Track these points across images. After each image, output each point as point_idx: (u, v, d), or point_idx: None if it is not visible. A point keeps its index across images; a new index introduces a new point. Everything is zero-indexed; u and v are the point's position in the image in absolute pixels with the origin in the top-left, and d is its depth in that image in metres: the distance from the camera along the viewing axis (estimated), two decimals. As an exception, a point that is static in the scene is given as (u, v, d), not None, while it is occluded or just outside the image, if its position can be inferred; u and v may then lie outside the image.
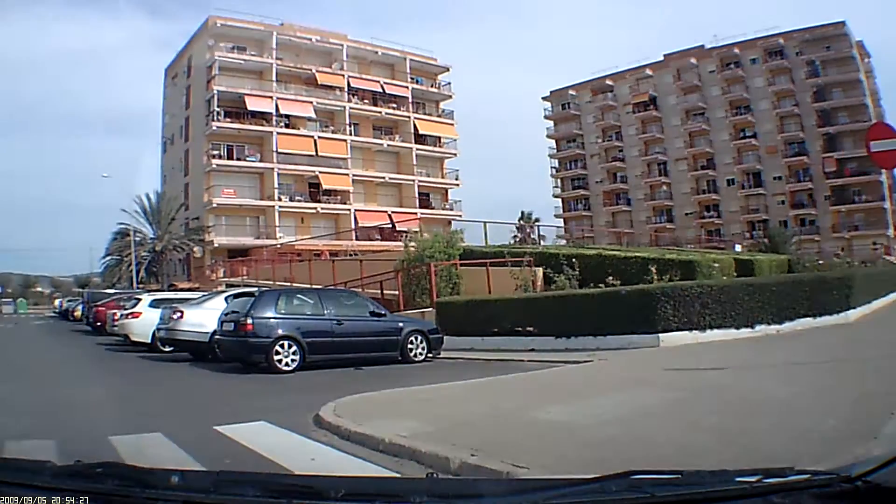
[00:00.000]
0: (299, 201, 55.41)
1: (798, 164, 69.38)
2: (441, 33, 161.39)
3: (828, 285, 15.67)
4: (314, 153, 54.92)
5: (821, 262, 29.23)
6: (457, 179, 61.92)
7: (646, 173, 78.82)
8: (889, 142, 9.90)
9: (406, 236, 28.09)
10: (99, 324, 27.70)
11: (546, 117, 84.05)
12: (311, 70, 56.62)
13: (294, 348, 12.90)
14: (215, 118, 53.05)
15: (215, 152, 53.78)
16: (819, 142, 67.56)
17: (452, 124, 62.25)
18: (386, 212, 56.03)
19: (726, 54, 72.70)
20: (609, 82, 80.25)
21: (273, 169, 54.12)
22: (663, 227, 70.50)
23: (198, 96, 56.34)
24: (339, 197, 56.40)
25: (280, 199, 54.34)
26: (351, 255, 44.61)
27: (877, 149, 10.16)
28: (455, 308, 17.53)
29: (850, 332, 14.26)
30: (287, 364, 12.78)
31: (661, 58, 77.07)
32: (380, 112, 58.73)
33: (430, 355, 14.53)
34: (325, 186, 55.43)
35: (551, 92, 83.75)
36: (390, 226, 54.56)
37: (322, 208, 55.56)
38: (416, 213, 56.09)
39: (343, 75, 57.63)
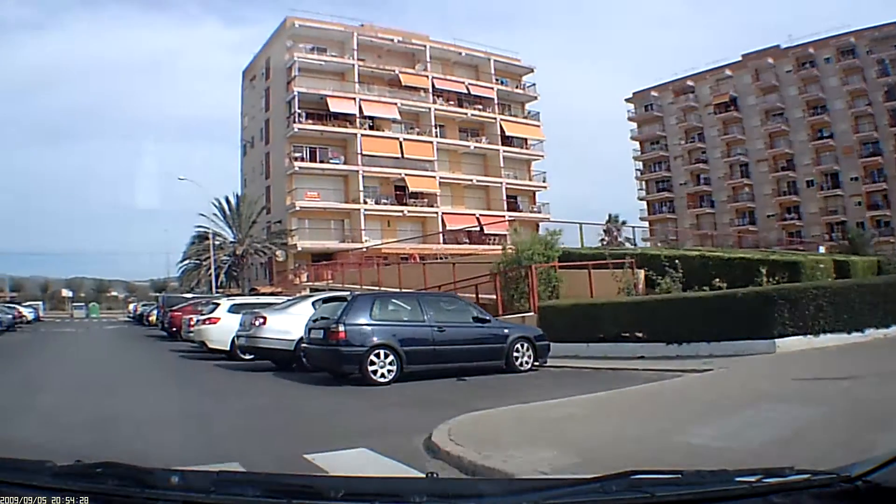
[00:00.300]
0: (385, 204, 52.95)
1: (873, 164, 66.33)
2: (516, 34, 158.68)
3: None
4: (400, 155, 52.54)
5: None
6: (544, 182, 59.03)
7: (728, 175, 75.46)
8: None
9: (506, 238, 26.23)
10: (174, 329, 26.58)
11: (629, 119, 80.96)
12: (394, 71, 54.41)
13: (391, 358, 11.73)
14: (297, 120, 51.15)
15: (297, 155, 51.83)
16: (892, 142, 64.81)
17: (538, 126, 59.29)
18: (473, 215, 53.62)
19: (801, 54, 69.66)
20: (690, 83, 77.08)
21: (358, 171, 51.92)
22: (745, 230, 67.06)
23: (277, 98, 54.54)
24: (425, 200, 53.79)
25: (365, 202, 52.07)
26: (442, 258, 42.22)
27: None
28: (559, 312, 16.54)
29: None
30: (383, 375, 11.61)
31: (740, 58, 73.81)
32: (465, 113, 56.16)
33: (536, 364, 13.37)
34: (411, 189, 52.93)
35: (634, 93, 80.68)
36: (478, 229, 52.30)
37: (409, 211, 52.98)
38: (504, 216, 53.65)
39: (427, 76, 55.26)
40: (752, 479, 1.96)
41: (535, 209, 57.19)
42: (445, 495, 2.07)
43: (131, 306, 64.85)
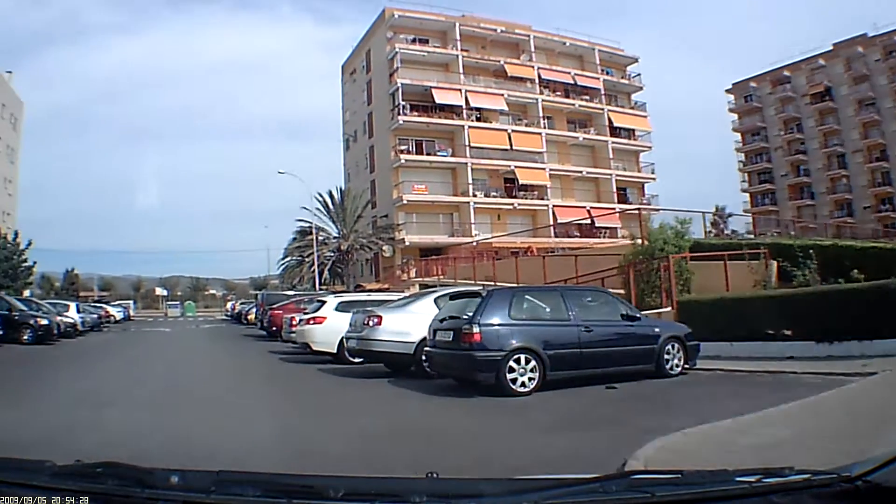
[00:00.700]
0: (494, 197, 50.18)
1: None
2: (607, 25, 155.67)
3: None
4: (508, 147, 49.84)
5: None
6: (652, 173, 55.66)
7: (826, 166, 71.88)
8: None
9: (617, 231, 23.66)
10: (274, 329, 24.74)
11: (730, 110, 77.61)
12: (499, 62, 51.80)
13: (532, 363, 9.87)
14: (401, 112, 49.04)
15: (403, 147, 49.54)
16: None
17: (645, 116, 56.03)
18: (584, 207, 50.75)
19: (888, 42, 66.03)
20: (786, 73, 73.59)
21: (466, 164, 49.32)
22: (843, 222, 63.52)
23: (380, 90, 52.38)
24: (535, 192, 50.84)
25: (475, 195, 49.40)
26: (552, 251, 39.73)
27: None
28: (699, 308, 14.81)
29: None
30: (523, 384, 9.77)
31: (831, 47, 70.43)
32: (573, 104, 53.18)
33: (686, 367, 11.56)
34: (521, 181, 50.07)
35: (733, 84, 77.09)
36: (589, 222, 49.68)
37: (519, 204, 50.05)
38: (615, 209, 50.91)
39: (532, 67, 52.47)
40: (752, 479, 1.95)
41: (644, 201, 54.18)
42: (445, 495, 2.04)
43: (229, 304, 63.00)
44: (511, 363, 9.65)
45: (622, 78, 56.53)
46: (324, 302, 17.32)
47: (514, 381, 9.63)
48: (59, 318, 27.62)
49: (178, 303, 76.98)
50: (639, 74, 57.12)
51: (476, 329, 9.79)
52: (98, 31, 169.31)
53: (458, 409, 9.11)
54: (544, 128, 52.02)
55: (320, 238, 48.29)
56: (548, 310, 10.85)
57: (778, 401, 7.64)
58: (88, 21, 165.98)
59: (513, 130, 50.74)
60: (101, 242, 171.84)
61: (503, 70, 51.95)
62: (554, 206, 50.67)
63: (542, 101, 52.27)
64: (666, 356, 11.17)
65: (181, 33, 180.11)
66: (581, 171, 52.44)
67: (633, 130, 55.27)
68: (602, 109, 53.93)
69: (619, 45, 56.96)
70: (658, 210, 48.53)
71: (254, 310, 39.35)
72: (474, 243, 45.79)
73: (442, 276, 39.52)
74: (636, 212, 50.27)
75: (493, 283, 27.07)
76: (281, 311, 24.62)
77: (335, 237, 49.56)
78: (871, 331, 11.57)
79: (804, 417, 7.10)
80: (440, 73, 51.22)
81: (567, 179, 52.49)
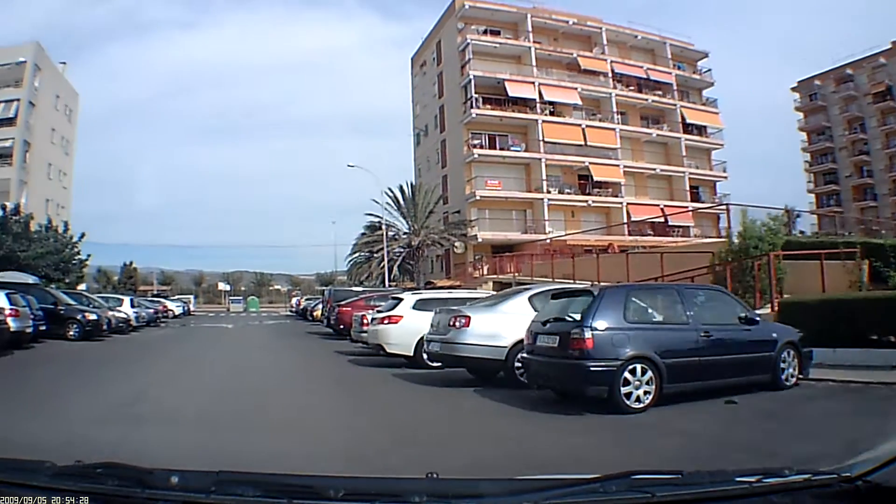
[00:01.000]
0: (569, 193, 48.58)
1: None
2: (672, 19, 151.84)
3: None
4: (583, 143, 48.15)
5: None
6: (724, 171, 53.76)
7: (888, 167, 69.60)
8: None
9: (728, 223, 22.58)
10: (342, 327, 23.23)
11: (796, 109, 75.91)
12: (572, 54, 50.02)
13: (648, 374, 8.41)
14: (474, 105, 47.58)
15: (476, 142, 47.96)
16: None
17: (717, 113, 53.97)
18: (657, 205, 49.39)
19: None
20: (849, 71, 71.23)
21: (540, 159, 47.66)
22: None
23: (451, 83, 50.74)
24: (609, 189, 49.21)
25: (548, 192, 47.89)
26: (642, 248, 38.53)
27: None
28: (802, 310, 13.17)
29: None
30: (638, 399, 8.31)
31: (889, 45, 67.65)
32: (646, 99, 51.29)
33: (799, 377, 10.10)
34: (596, 178, 48.39)
35: (798, 82, 74.64)
36: (662, 220, 48.49)
37: (593, 201, 48.47)
38: (688, 207, 49.59)
39: (606, 60, 50.63)
40: (752, 479, 1.94)
41: (715, 200, 52.70)
42: (445, 495, 2.03)
43: (293, 300, 61.73)
44: (626, 374, 8.25)
45: (693, 73, 54.82)
46: (400, 299, 15.79)
47: (628, 395, 8.23)
48: (110, 312, 26.56)
49: (240, 298, 75.85)
50: (709, 70, 55.33)
51: (588, 334, 8.36)
52: (163, 26, 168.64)
53: (569, 432, 7.57)
54: (618, 123, 50.42)
55: (390, 234, 46.95)
56: (663, 312, 9.44)
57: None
58: (153, 17, 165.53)
59: (587, 125, 49.13)
60: (164, 237, 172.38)
61: (576, 63, 50.34)
62: (628, 203, 49.20)
63: (616, 95, 50.70)
64: (782, 364, 9.82)
65: (247, 30, 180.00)
66: (655, 169, 50.68)
67: (705, 127, 53.62)
68: (674, 105, 52.16)
69: (689, 38, 55.49)
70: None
71: (320, 306, 38.27)
72: (548, 241, 44.56)
73: (517, 274, 38.40)
74: (709, 211, 49.78)
75: (571, 281, 26.03)
76: (350, 309, 23.14)
77: (405, 233, 48.11)
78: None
79: None
80: (512, 65, 49.59)
81: (640, 177, 50.85)
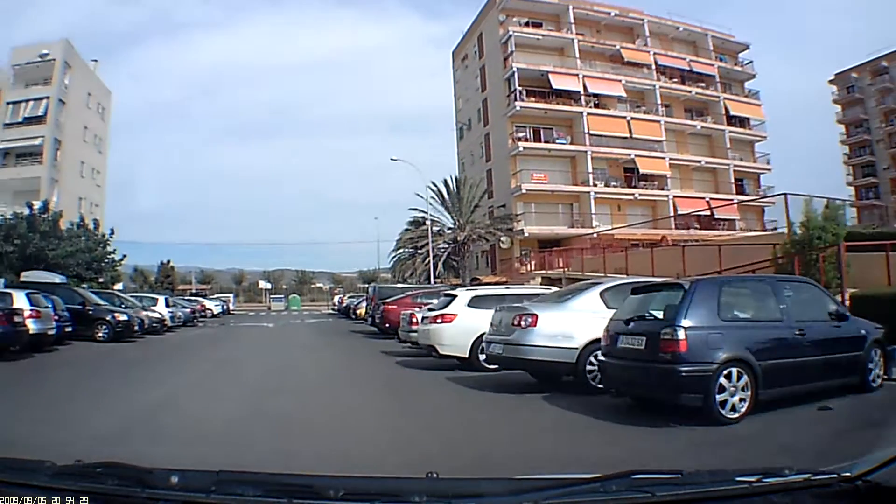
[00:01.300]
0: (615, 186, 47.58)
1: None
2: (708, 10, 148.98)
3: None
4: (628, 135, 47.18)
5: None
6: (768, 164, 52.54)
7: (923, 160, 68.10)
8: None
9: (786, 214, 21.70)
10: (387, 325, 22.38)
11: (834, 101, 74.87)
12: (615, 46, 48.98)
13: (744, 379, 7.30)
14: (518, 98, 46.65)
15: (520, 135, 47.02)
16: None
17: (759, 105, 52.84)
18: (703, 198, 48.58)
19: None
20: (884, 63, 69.26)
21: (585, 152, 46.62)
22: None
23: (494, 76, 49.73)
24: (655, 182, 48.16)
25: (595, 185, 47.08)
26: (694, 241, 37.71)
27: None
28: (878, 304, 11.76)
29: None
30: (734, 408, 7.20)
31: None
32: (689, 91, 50.10)
33: (884, 377, 9.09)
34: (642, 171, 47.38)
35: (836, 74, 73.35)
36: (708, 213, 47.61)
37: (640, 194, 47.40)
38: (733, 200, 48.66)
39: (649, 52, 49.56)
40: (752, 478, 1.93)
41: (759, 192, 51.81)
42: (445, 495, 2.02)
43: (336, 298, 60.59)
44: (721, 380, 7.20)
45: (735, 65, 53.90)
46: (453, 296, 14.49)
47: (723, 403, 7.19)
48: (143, 312, 25.62)
49: (281, 296, 74.64)
50: (751, 61, 54.43)
51: (681, 334, 7.30)
52: (196, 26, 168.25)
53: (672, 451, 6.35)
54: (662, 115, 49.45)
55: (434, 229, 45.91)
56: (755, 307, 8.36)
57: None
58: (185, 17, 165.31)
59: (632, 118, 48.14)
60: (203, 236, 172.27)
61: (619, 55, 49.31)
62: (674, 196, 48.24)
63: (660, 87, 49.68)
64: (870, 365, 8.83)
65: (282, 29, 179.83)
66: (700, 161, 49.56)
67: (748, 119, 52.69)
68: (718, 97, 51.02)
69: (729, 30, 54.60)
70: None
71: (363, 304, 37.33)
72: (595, 235, 43.69)
73: (567, 269, 37.56)
74: (753, 204, 48.94)
75: (625, 276, 25.49)
76: (396, 306, 22.22)
77: (450, 228, 47.02)
78: None
79: None
80: (555, 57, 48.60)
81: (686, 169, 49.77)
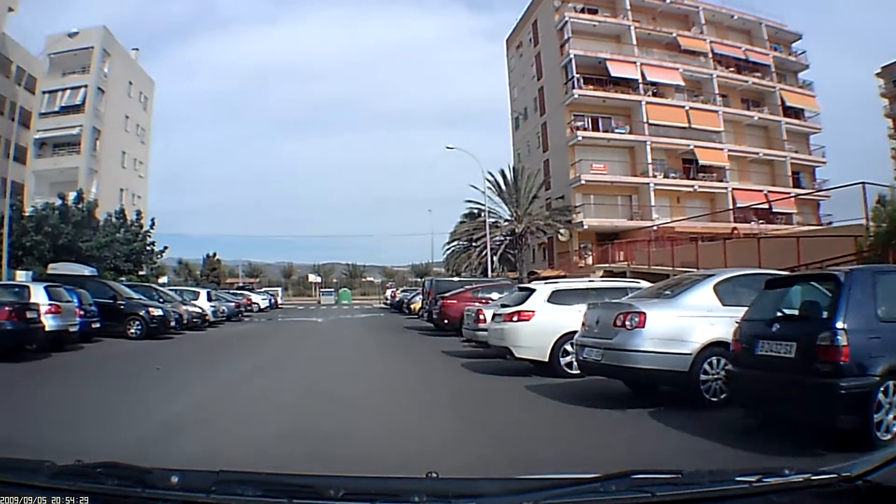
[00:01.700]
0: (674, 178, 46.16)
1: None
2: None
3: None
4: (686, 125, 45.69)
5: None
6: (823, 157, 51.14)
7: (966, 154, 66.29)
8: None
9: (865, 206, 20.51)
10: (446, 322, 21.22)
11: (882, 95, 73.92)
12: (671, 34, 47.39)
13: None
14: (575, 85, 45.16)
15: (578, 124, 45.59)
16: None
17: (814, 96, 51.36)
18: (761, 191, 47.34)
19: None
20: None
21: (645, 142, 45.11)
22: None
23: (550, 63, 48.18)
24: (714, 174, 46.72)
25: (654, 176, 45.82)
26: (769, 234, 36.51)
27: None
28: None
29: None
30: (887, 429, 5.77)
31: None
32: (746, 81, 48.53)
33: None
34: (701, 161, 45.90)
35: (882, 67, 72.44)
36: (766, 206, 46.42)
37: (699, 186, 45.95)
38: (790, 193, 47.56)
39: (705, 40, 47.94)
40: (752, 478, 1.91)
41: (815, 186, 50.71)
42: (445, 495, 1.99)
43: (388, 292, 58.82)
44: (879, 396, 5.75)
45: (789, 55, 52.61)
46: (530, 291, 12.73)
47: (879, 424, 5.74)
48: (183, 307, 24.19)
49: (331, 290, 72.82)
50: (804, 51, 53.22)
51: (843, 340, 5.74)
52: (245, 21, 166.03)
53: None
54: (720, 105, 48.20)
55: (490, 220, 44.58)
56: None
57: None
58: (234, 12, 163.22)
59: (690, 107, 46.80)
60: (252, 230, 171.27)
61: (676, 43, 47.73)
62: (733, 188, 47.03)
63: (717, 76, 48.34)
64: None
65: (330, 24, 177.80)
66: (758, 153, 48.18)
67: (803, 110, 51.49)
68: (773, 88, 49.54)
69: (782, 19, 53.28)
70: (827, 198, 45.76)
71: (417, 298, 35.91)
72: (654, 227, 42.41)
73: (631, 263, 36.39)
74: (808, 197, 47.79)
75: (695, 270, 24.38)
76: (455, 301, 21.13)
77: (507, 220, 45.50)
78: None
79: None
80: (611, 44, 47.07)
81: (743, 161, 48.26)
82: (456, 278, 32.74)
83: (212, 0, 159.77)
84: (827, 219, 45.66)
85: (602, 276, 32.52)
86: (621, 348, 8.33)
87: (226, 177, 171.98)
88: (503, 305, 13.18)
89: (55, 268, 26.60)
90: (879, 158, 70.95)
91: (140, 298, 21.90)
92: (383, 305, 54.86)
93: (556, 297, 12.05)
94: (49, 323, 14.89)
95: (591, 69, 45.95)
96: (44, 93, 48.00)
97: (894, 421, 5.81)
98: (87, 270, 26.55)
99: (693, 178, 46.64)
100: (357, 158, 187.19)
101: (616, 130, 46.28)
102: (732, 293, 8.51)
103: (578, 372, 10.07)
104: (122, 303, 20.77)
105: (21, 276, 26.24)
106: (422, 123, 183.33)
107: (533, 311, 11.87)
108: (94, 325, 17.99)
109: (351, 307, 55.84)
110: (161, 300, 23.55)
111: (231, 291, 45.48)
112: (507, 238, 45.03)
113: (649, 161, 45.53)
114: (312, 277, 79.37)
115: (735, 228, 40.18)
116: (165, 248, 43.38)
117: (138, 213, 43.45)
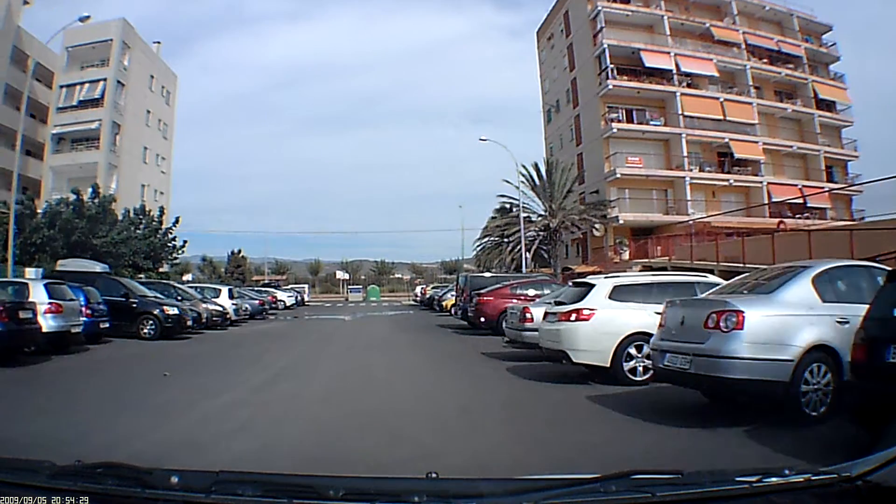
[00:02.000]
0: (709, 172, 45.02)
1: None
2: None
3: None
4: (721, 118, 44.50)
5: None
6: (855, 151, 50.11)
7: None
8: None
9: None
10: (482, 320, 20.26)
11: None
12: (704, 24, 46.20)
13: None
14: (609, 76, 43.99)
15: (613, 116, 44.46)
16: None
17: (845, 89, 50.29)
18: (796, 185, 46.47)
19: None
20: None
21: (680, 135, 43.95)
22: None
23: (582, 54, 46.93)
24: (749, 168, 45.57)
25: (690, 170, 44.80)
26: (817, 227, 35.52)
27: None
28: None
29: None
30: None
31: None
32: (779, 73, 47.37)
33: None
34: (736, 155, 44.71)
35: None
36: (800, 201, 45.47)
37: (735, 180, 44.78)
38: (824, 188, 46.62)
39: (738, 31, 46.69)
40: (753, 479, 1.90)
41: (847, 180, 49.84)
42: (445, 495, 1.99)
43: (417, 288, 57.39)
44: None
45: (820, 46, 51.69)
46: (589, 286, 11.05)
47: None
48: (203, 305, 23.09)
49: (359, 287, 71.27)
50: (834, 43, 52.23)
51: None
52: (272, 19, 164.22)
53: None
54: (754, 97, 47.13)
55: (523, 216, 43.36)
56: None
57: None
58: (261, 10, 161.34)
59: (725, 99, 45.74)
60: (280, 227, 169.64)
61: (709, 33, 46.55)
62: (768, 183, 45.98)
63: (751, 68, 47.30)
64: None
65: (357, 21, 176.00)
66: (792, 147, 47.17)
67: (834, 103, 50.54)
68: (806, 80, 48.51)
69: (811, 11, 52.22)
70: (860, 192, 44.94)
71: (449, 295, 34.76)
72: (690, 222, 41.35)
73: (671, 258, 35.31)
74: (842, 192, 46.89)
75: (741, 265, 23.40)
76: (491, 298, 20.20)
77: (541, 215, 44.33)
78: None
79: None
80: (644, 34, 45.82)
81: (777, 155, 47.12)
82: (488, 274, 31.53)
83: (242, 1, 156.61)
84: (859, 214, 44.87)
85: (640, 272, 31.51)
86: (716, 354, 6.93)
87: (252, 174, 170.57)
88: (557, 303, 11.70)
89: (64, 264, 25.28)
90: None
91: (155, 296, 20.76)
92: (412, 302, 53.67)
93: (618, 294, 10.61)
94: (48, 323, 13.92)
95: (625, 59, 44.75)
96: (61, 87, 46.38)
97: None
98: (98, 267, 25.22)
99: (728, 172, 45.51)
100: (385, 155, 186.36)
101: (651, 122, 45.10)
102: (831, 288, 7.40)
103: (642, 379, 9.28)
104: (135, 301, 19.65)
105: (30, 273, 24.90)
106: (450, 121, 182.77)
107: (594, 310, 10.42)
108: (102, 325, 17.07)
109: (379, 304, 54.64)
110: (178, 298, 22.45)
111: (255, 289, 44.13)
112: (541, 233, 43.87)
113: (685, 154, 44.38)
114: (340, 274, 77.75)
115: (782, 222, 39.31)
116: (185, 242, 42.02)
117: (161, 209, 41.93)
